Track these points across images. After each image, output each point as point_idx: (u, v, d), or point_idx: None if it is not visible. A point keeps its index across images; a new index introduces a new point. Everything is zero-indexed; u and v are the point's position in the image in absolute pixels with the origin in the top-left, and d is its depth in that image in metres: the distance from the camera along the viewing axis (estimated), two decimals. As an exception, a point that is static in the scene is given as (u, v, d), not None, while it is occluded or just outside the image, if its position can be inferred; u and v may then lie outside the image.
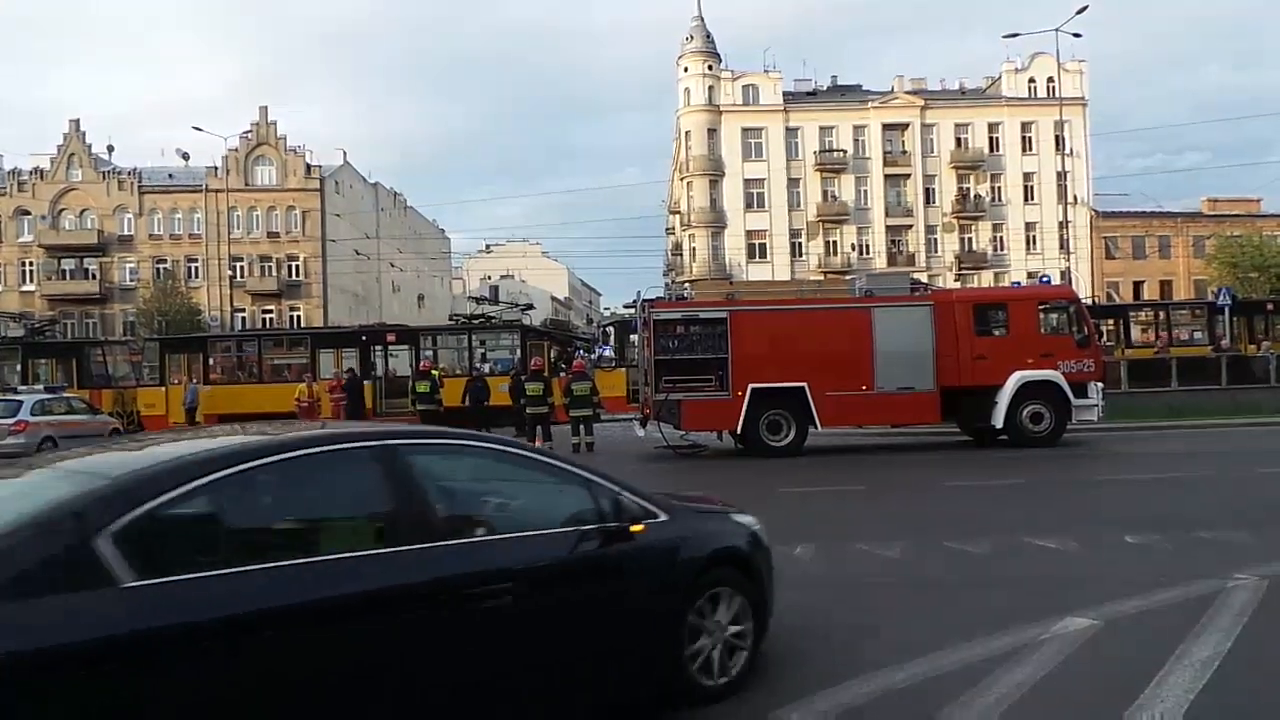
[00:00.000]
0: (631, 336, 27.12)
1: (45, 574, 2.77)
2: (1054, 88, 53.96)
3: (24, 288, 56.18)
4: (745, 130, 58.81)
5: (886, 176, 59.11)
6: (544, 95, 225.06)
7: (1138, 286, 57.44)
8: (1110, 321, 31.86)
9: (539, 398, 18.53)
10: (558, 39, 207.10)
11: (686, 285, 40.39)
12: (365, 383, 26.38)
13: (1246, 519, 8.91)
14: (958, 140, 59.50)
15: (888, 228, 58.96)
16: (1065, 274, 37.86)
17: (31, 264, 56.55)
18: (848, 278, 33.72)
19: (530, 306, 34.95)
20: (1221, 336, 28.47)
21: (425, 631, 3.40)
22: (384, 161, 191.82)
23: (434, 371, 22.37)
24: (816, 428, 16.22)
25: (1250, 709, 4.54)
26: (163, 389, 27.07)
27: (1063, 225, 43.45)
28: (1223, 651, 5.12)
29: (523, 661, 3.72)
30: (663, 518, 4.45)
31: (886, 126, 59.30)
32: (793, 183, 58.74)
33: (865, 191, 59.05)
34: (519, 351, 26.67)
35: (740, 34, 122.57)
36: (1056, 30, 34.69)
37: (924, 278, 37.83)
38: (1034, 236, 57.69)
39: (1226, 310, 28.55)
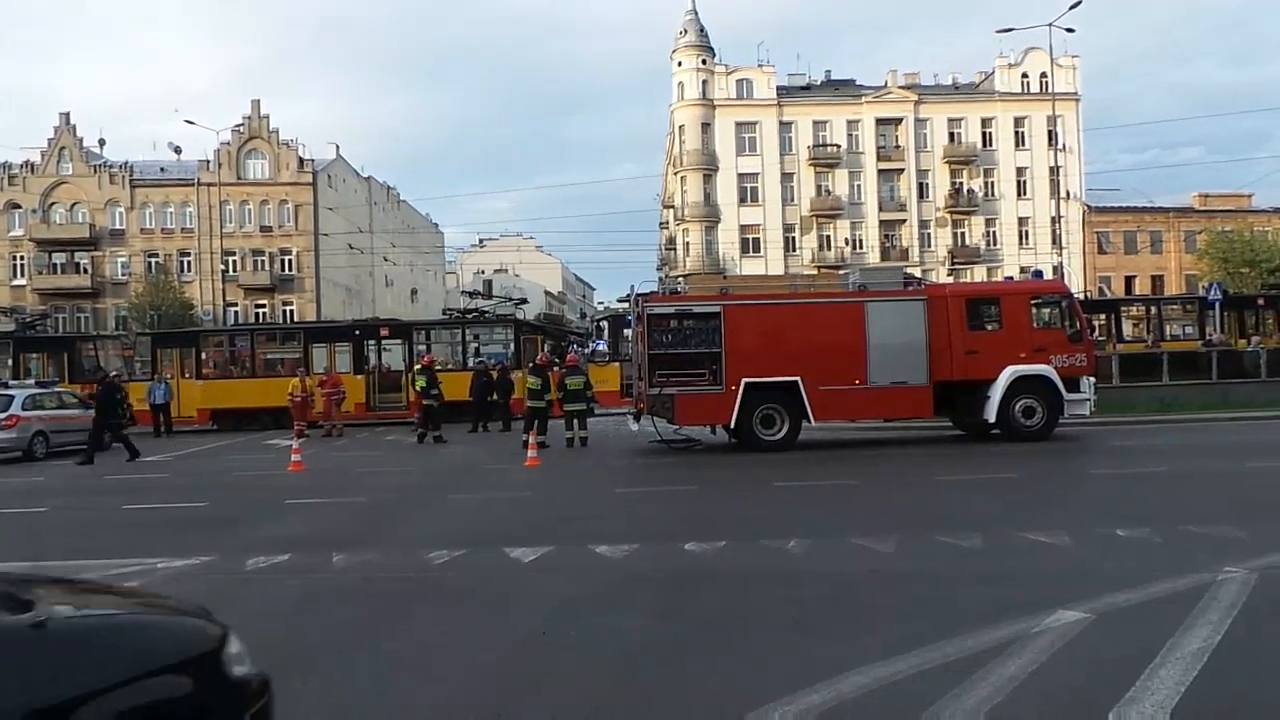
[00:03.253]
0: (625, 331, 27.14)
1: None
2: (1047, 83, 54.07)
3: (15, 282, 55.87)
4: (739, 125, 58.81)
5: (880, 171, 59.19)
6: (538, 89, 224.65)
7: (1129, 281, 57.68)
8: (1102, 316, 31.98)
9: (538, 392, 18.51)
10: (551, 32, 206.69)
11: (680, 279, 40.32)
12: (357, 376, 26.29)
13: (1236, 512, 8.95)
14: (951, 135, 59.58)
15: (881, 222, 59.08)
16: (1057, 269, 37.95)
17: (22, 258, 56.24)
18: (841, 272, 33.79)
19: (524, 301, 34.96)
20: (1212, 331, 28.58)
21: None
22: (377, 155, 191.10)
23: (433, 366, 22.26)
24: (810, 422, 16.24)
25: (1241, 701, 4.56)
26: (155, 384, 26.92)
27: (1055, 220, 43.56)
28: (1213, 644, 5.15)
29: None
30: None
31: (880, 121, 59.35)
32: (786, 177, 58.77)
33: (859, 186, 59.11)
34: (513, 346, 26.68)
35: (734, 28, 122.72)
36: (1050, 25, 34.71)
37: (917, 272, 37.78)
38: (1026, 231, 57.89)
39: (1217, 305, 28.67)
